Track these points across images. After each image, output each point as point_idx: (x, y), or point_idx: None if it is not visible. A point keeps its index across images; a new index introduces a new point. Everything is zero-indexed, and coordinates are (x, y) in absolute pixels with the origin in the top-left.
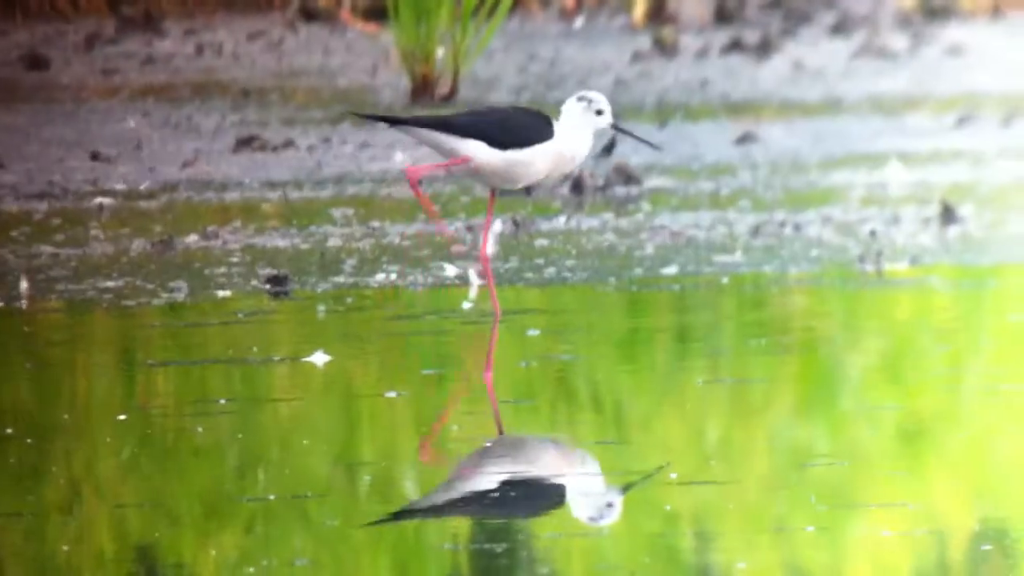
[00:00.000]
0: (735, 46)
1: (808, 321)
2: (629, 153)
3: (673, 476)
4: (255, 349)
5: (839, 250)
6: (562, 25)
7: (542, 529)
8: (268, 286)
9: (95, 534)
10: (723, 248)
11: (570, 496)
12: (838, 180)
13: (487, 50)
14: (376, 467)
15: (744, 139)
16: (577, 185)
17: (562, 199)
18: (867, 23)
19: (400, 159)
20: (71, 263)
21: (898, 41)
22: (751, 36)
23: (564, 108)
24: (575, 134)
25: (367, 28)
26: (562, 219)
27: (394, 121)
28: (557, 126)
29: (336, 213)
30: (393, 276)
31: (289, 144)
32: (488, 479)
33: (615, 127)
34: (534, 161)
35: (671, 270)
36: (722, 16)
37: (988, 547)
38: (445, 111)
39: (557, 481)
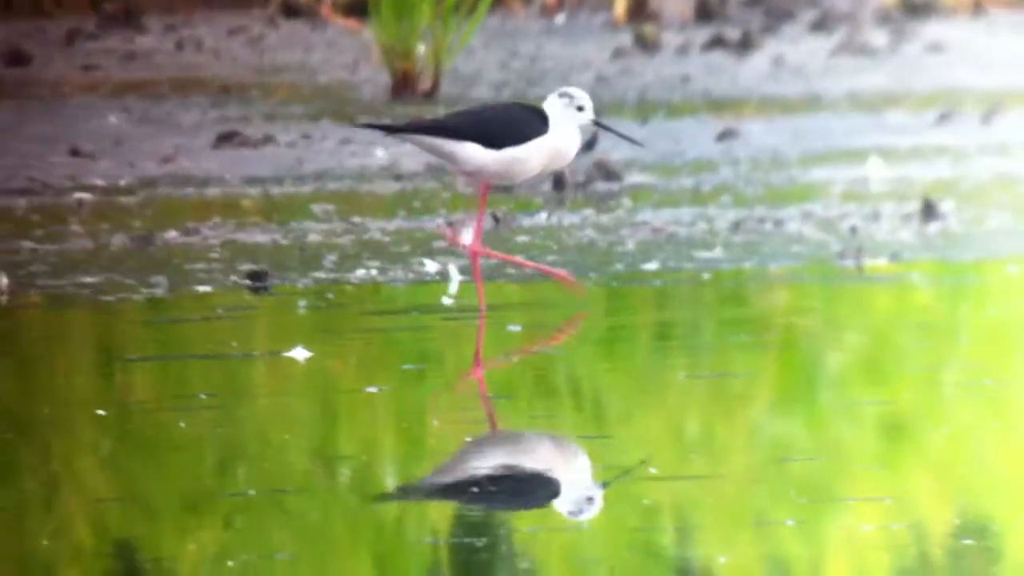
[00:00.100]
0: (716, 43)
1: (789, 317)
2: (610, 149)
3: (653, 471)
4: (235, 344)
5: (820, 246)
6: (543, 21)
7: (522, 523)
8: (248, 282)
9: (74, 528)
10: (704, 244)
11: (548, 491)
12: (819, 176)
13: (468, 46)
14: (356, 462)
15: (725, 135)
16: (558, 181)
17: (543, 195)
18: (848, 20)
19: (381, 155)
20: (51, 259)
21: (879, 38)
22: (732, 33)
23: (545, 105)
24: (567, 130)
25: (348, 24)
26: (543, 215)
27: (390, 129)
28: (552, 122)
29: (317, 209)
30: (374, 272)
31: (269, 140)
32: (476, 472)
33: (596, 123)
34: (530, 158)
35: (652, 266)
36: (703, 13)
37: (968, 541)
38: (427, 108)
39: (548, 476)
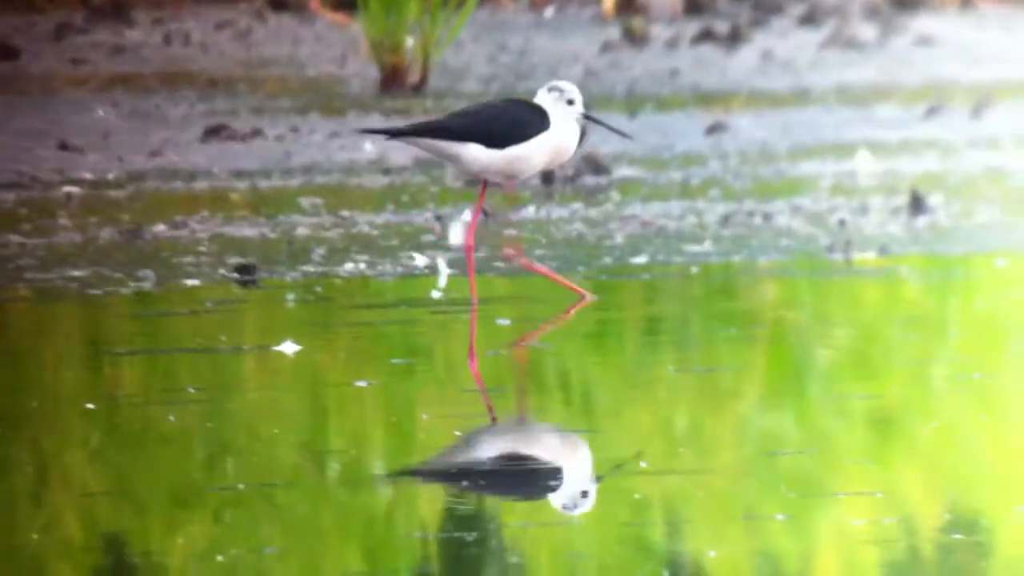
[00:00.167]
0: (705, 36)
1: (777, 310)
2: (599, 143)
3: (643, 464)
4: (224, 338)
5: (808, 240)
6: (532, 15)
7: (512, 518)
8: (236, 275)
9: (63, 523)
10: (693, 238)
11: (545, 483)
12: (807, 170)
13: (457, 40)
14: (345, 455)
15: (714, 129)
16: (547, 175)
17: (532, 189)
18: (836, 13)
19: (369, 148)
20: (39, 252)
21: (867, 31)
22: (721, 26)
23: (536, 99)
24: (566, 124)
25: (336, 18)
26: (532, 209)
27: (394, 133)
28: (552, 117)
29: (305, 202)
30: (362, 266)
31: (258, 134)
32: (479, 459)
33: (586, 116)
34: (533, 155)
35: (641, 259)
36: (692, 6)
37: (958, 535)
38: (415, 101)
39: (552, 467)
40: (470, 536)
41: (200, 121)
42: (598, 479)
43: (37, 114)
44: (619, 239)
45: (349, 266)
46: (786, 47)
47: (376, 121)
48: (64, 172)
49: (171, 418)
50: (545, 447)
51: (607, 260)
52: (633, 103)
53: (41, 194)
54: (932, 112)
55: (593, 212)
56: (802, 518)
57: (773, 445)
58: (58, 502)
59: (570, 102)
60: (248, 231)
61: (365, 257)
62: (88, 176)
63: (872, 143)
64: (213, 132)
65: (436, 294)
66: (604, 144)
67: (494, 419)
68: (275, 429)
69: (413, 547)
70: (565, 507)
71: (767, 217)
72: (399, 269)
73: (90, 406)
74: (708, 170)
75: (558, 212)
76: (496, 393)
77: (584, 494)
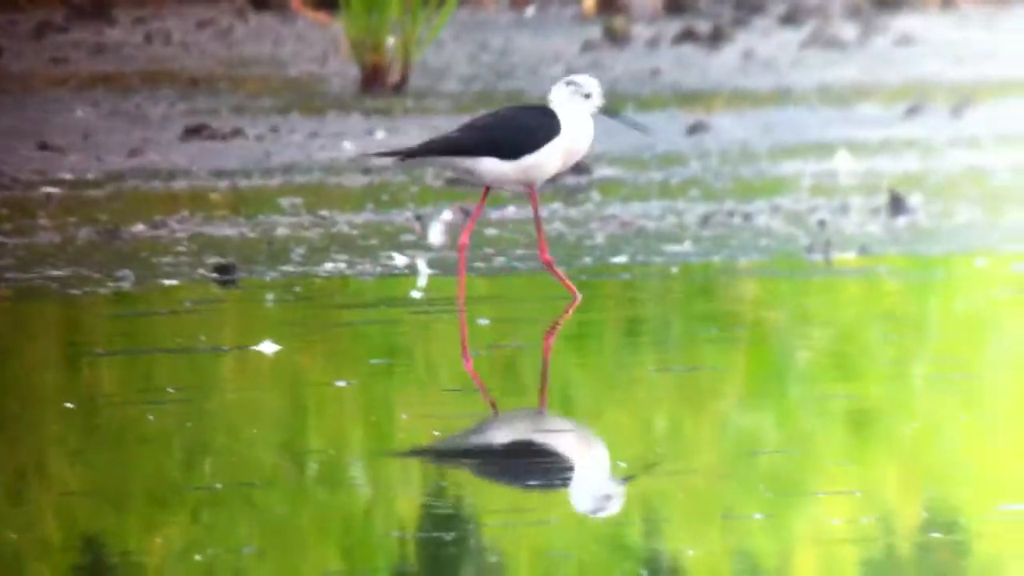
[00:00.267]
0: (686, 36)
1: (757, 310)
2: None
3: (622, 464)
4: (203, 338)
5: (788, 240)
6: (513, 14)
7: (491, 517)
8: (215, 275)
9: (42, 522)
10: (673, 238)
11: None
12: (788, 170)
13: (437, 39)
14: (324, 455)
15: (695, 129)
16: None
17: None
18: (818, 13)
19: (349, 147)
20: (19, 252)
21: (848, 31)
22: (702, 26)
23: (552, 95)
24: (578, 123)
25: (317, 17)
26: (511, 208)
27: (407, 154)
28: (563, 119)
29: (285, 202)
30: (342, 265)
31: (238, 133)
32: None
33: (604, 111)
34: (547, 162)
35: (621, 259)
36: (673, 5)
37: (936, 535)
38: (396, 101)
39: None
40: (448, 536)
41: (180, 120)
42: (626, 480)
43: (17, 113)
44: (599, 239)
45: (329, 266)
46: (767, 47)
47: (356, 120)
48: (44, 172)
49: (151, 418)
50: (564, 445)
51: (587, 260)
52: (614, 103)
53: (21, 194)
54: (913, 112)
55: (573, 212)
56: (781, 517)
57: (753, 444)
58: (37, 502)
59: (587, 96)
60: (228, 231)
61: (345, 257)
62: (68, 176)
63: (853, 143)
64: (193, 131)
65: (416, 294)
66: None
67: (496, 411)
68: (254, 429)
69: (391, 547)
70: (593, 511)
71: (747, 217)
72: (379, 269)
73: (69, 406)
74: (689, 170)
75: None
76: (476, 393)
77: (608, 497)
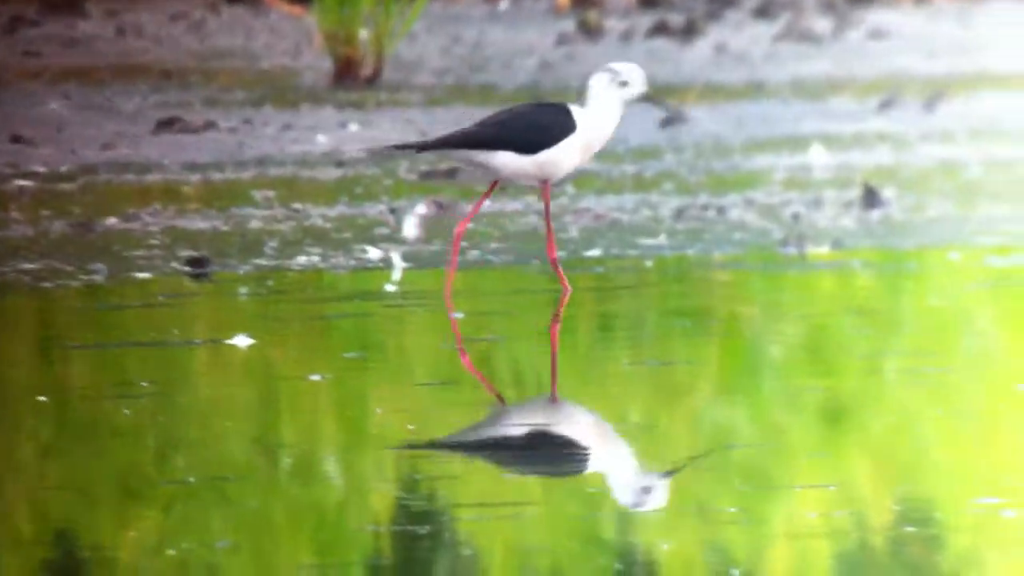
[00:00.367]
0: (660, 29)
1: (731, 304)
2: None
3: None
4: (176, 332)
5: (762, 233)
6: (486, 7)
7: (465, 512)
8: (188, 268)
9: (13, 517)
10: (647, 231)
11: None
12: (761, 163)
13: (411, 32)
14: (297, 449)
15: (668, 122)
16: None
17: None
18: (791, 6)
19: (322, 140)
20: None
21: (822, 24)
22: (676, 19)
23: (590, 83)
24: (596, 114)
25: (290, 10)
26: (486, 202)
27: (422, 147)
28: (577, 115)
29: (258, 195)
30: (316, 259)
31: (211, 126)
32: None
33: (644, 97)
34: (564, 158)
35: (595, 252)
36: None
37: (910, 528)
38: (369, 94)
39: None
40: (422, 530)
41: (153, 113)
42: (668, 474)
43: None
44: (573, 232)
45: (302, 259)
46: (740, 40)
47: (330, 113)
48: (16, 165)
49: (125, 412)
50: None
51: (561, 253)
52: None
53: None
54: (886, 105)
55: None
56: (755, 511)
57: (727, 438)
58: (8, 496)
59: (624, 84)
60: (200, 224)
61: (318, 250)
62: (40, 169)
63: (826, 136)
64: (166, 124)
65: (390, 287)
66: None
67: (502, 401)
68: (227, 423)
69: (365, 541)
70: (635, 505)
71: (721, 211)
72: (352, 262)
73: (42, 399)
74: (662, 163)
75: (512, 205)
76: (451, 387)
77: (647, 490)
